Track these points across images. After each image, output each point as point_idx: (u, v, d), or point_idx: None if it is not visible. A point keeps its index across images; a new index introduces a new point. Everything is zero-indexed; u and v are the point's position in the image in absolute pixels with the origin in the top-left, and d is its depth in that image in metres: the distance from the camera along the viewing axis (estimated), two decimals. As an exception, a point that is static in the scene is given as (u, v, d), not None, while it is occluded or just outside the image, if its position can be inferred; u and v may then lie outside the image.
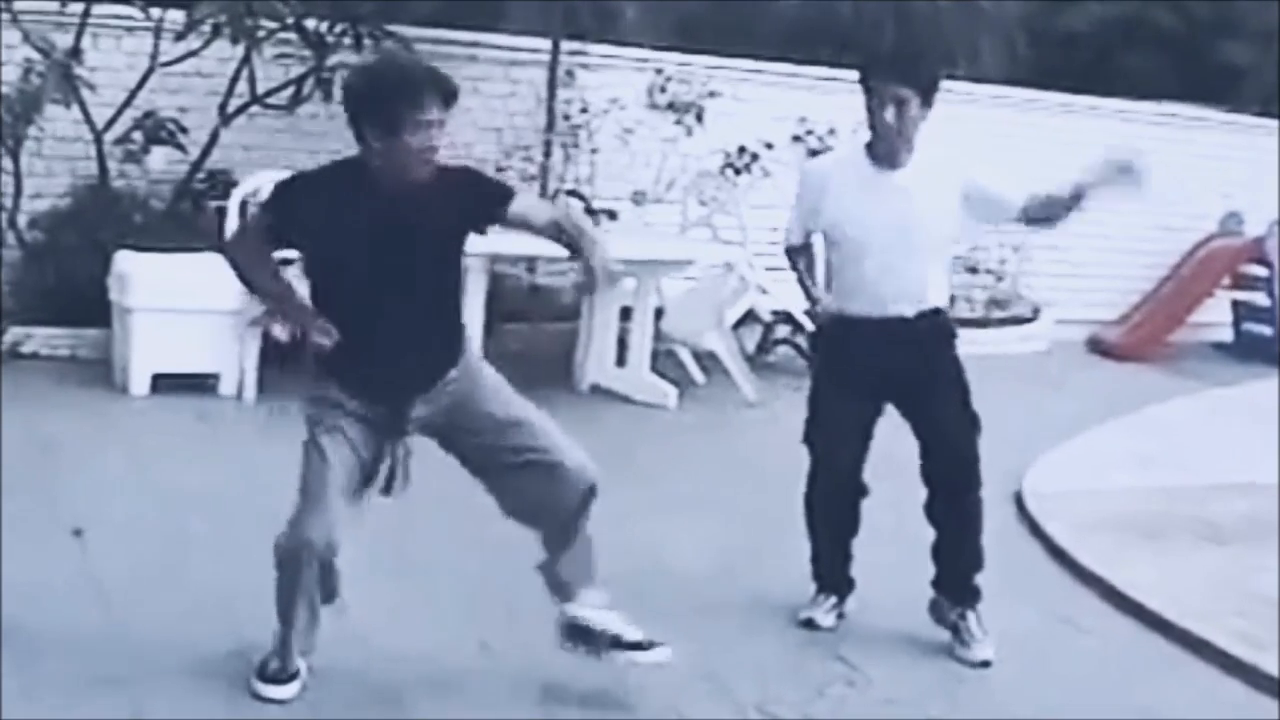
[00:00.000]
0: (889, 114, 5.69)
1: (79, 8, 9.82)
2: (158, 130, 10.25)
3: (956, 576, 6.01)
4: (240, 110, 10.32)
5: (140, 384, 8.88)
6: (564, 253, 5.09)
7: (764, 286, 11.02)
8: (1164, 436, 9.85)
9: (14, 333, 9.36)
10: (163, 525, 6.60)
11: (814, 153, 12.68)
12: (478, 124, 11.58)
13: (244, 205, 9.60)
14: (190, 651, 5.21)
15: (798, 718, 5.21)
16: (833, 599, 6.08)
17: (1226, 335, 14.16)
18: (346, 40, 10.28)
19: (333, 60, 10.26)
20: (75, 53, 9.70)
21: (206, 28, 9.78)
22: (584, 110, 11.69)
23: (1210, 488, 8.17)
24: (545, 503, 5.07)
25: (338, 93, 10.15)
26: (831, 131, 12.66)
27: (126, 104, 10.10)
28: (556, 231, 5.05)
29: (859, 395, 5.93)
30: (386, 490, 5.12)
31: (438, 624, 5.62)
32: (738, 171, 12.12)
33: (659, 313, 10.20)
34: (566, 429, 5.17)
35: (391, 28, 10.43)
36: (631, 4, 14.14)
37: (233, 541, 6.40)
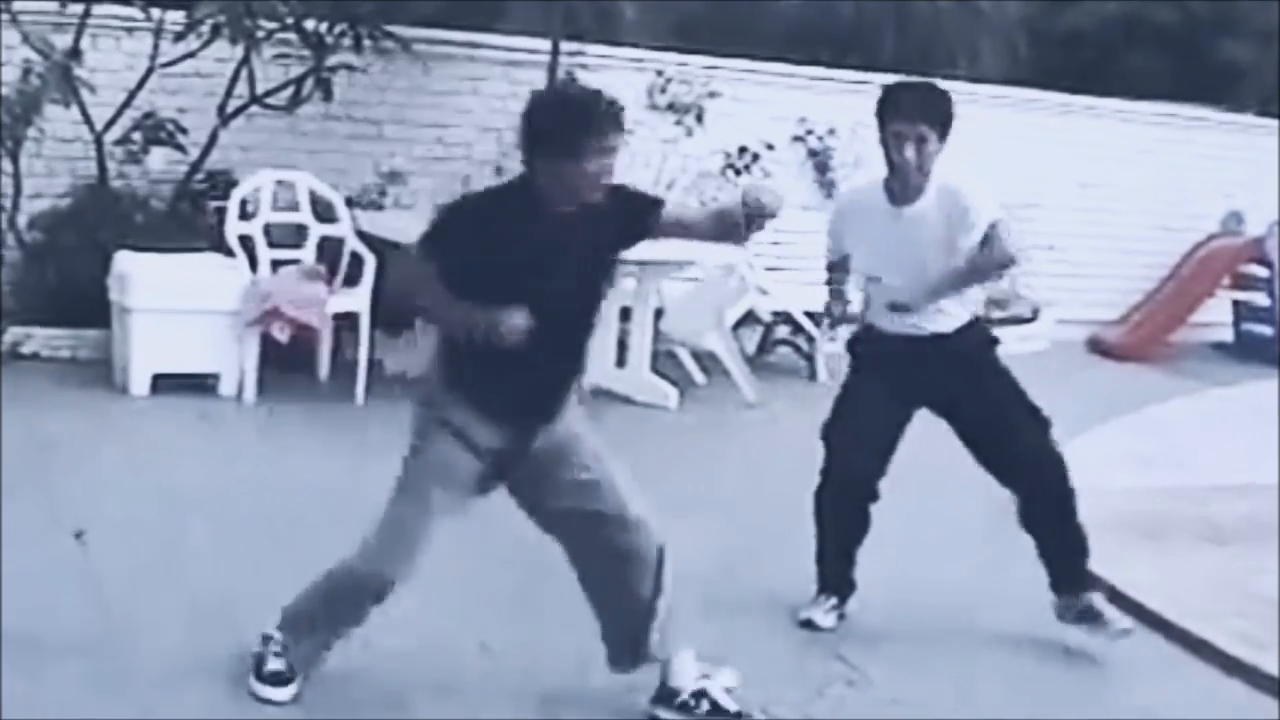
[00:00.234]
0: (909, 151, 5.69)
1: (78, 8, 9.81)
2: (157, 131, 10.25)
3: (1075, 568, 6.03)
4: (240, 111, 10.32)
5: (140, 384, 8.88)
6: None
7: (764, 287, 11.03)
8: (1164, 437, 9.84)
9: (14, 333, 9.36)
10: (163, 526, 6.60)
11: (814, 153, 12.74)
12: (478, 124, 11.59)
13: (243, 205, 9.61)
14: (190, 652, 5.21)
15: (798, 718, 5.21)
16: (833, 600, 6.07)
17: (1227, 335, 14.15)
18: (346, 41, 10.29)
19: (332, 60, 10.28)
20: (75, 53, 9.70)
21: (206, 28, 9.77)
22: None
23: (1210, 488, 8.16)
24: (615, 563, 5.01)
25: (337, 93, 10.31)
26: (831, 131, 12.68)
27: (126, 104, 10.09)
28: (717, 224, 5.03)
29: (889, 404, 5.95)
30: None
31: (438, 625, 5.62)
32: (738, 172, 12.12)
33: (659, 313, 10.20)
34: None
35: (391, 28, 10.44)
36: (631, 4, 14.14)
37: (233, 542, 6.42)
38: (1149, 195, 13.93)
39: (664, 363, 10.22)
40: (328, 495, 7.27)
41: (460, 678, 5.28)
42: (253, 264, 9.36)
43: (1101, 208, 13.68)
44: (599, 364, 10.03)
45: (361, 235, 9.72)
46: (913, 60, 15.20)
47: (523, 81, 11.67)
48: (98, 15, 10.00)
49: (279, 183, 9.83)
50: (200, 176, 10.40)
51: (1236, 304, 14.07)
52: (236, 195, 9.66)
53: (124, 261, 9.12)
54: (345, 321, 9.39)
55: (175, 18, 9.92)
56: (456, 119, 11.61)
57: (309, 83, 10.28)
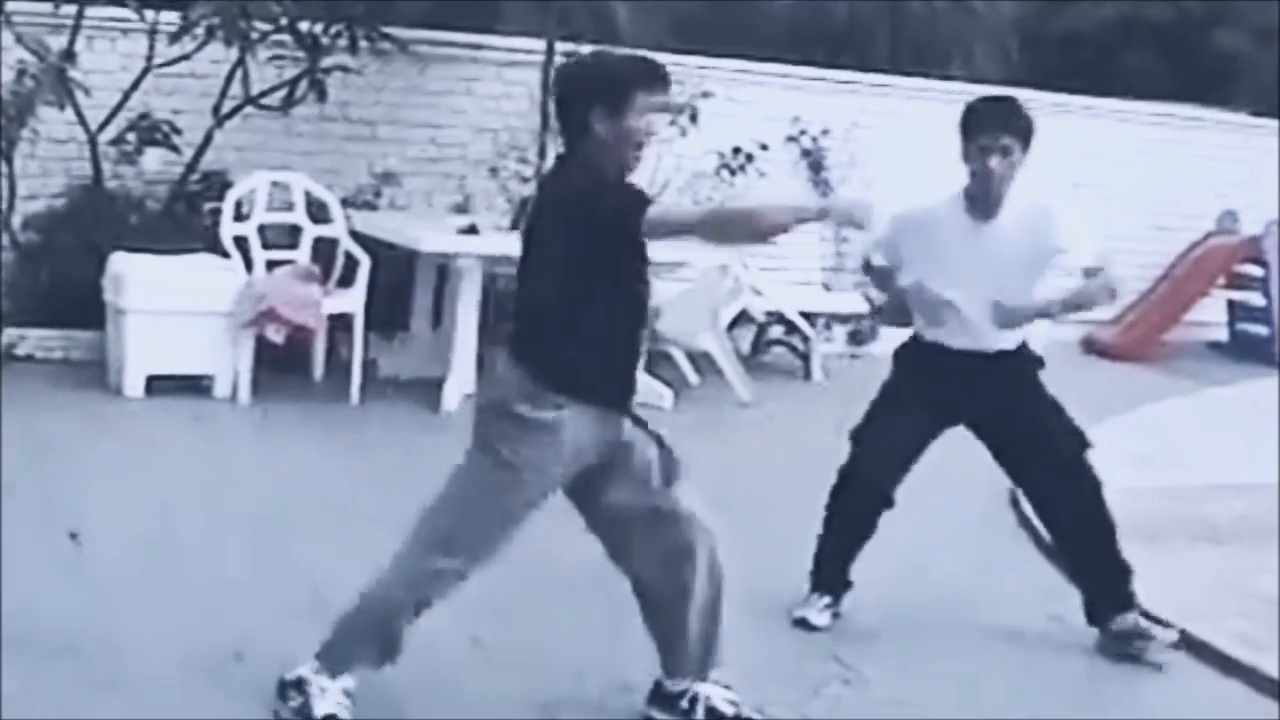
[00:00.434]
0: (994, 162, 5.67)
1: (73, 10, 9.80)
2: (152, 132, 10.25)
3: (1121, 588, 5.99)
4: (234, 112, 10.31)
5: (135, 386, 8.86)
6: None
7: (758, 288, 11.02)
8: (1160, 437, 9.84)
9: (8, 334, 9.36)
10: (158, 527, 6.59)
11: (807, 153, 12.74)
12: (472, 125, 11.59)
13: (238, 206, 9.60)
14: (185, 653, 5.19)
15: (794, 717, 5.20)
16: (827, 598, 6.06)
17: (1222, 335, 14.16)
18: (340, 42, 10.29)
19: (326, 61, 10.27)
20: (69, 55, 9.68)
21: (201, 29, 9.77)
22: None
23: (1207, 488, 8.16)
24: (673, 565, 4.91)
25: (331, 94, 10.30)
26: (825, 132, 12.68)
27: (121, 106, 10.09)
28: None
29: (923, 415, 5.94)
30: None
31: (430, 621, 5.60)
32: (733, 172, 12.11)
33: (655, 314, 10.18)
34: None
35: (385, 29, 10.44)
36: (625, 5, 14.12)
37: (228, 543, 6.41)
38: (1144, 195, 13.93)
39: (659, 363, 10.20)
40: (323, 496, 7.28)
41: (452, 675, 5.27)
42: (247, 265, 9.35)
43: (1097, 207, 13.68)
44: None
45: (356, 236, 9.72)
46: (907, 61, 15.20)
47: (517, 82, 11.70)
48: (92, 16, 9.99)
49: (274, 184, 9.82)
50: (195, 177, 10.40)
51: (1232, 303, 14.08)
52: (231, 196, 9.65)
53: (119, 262, 9.11)
54: (340, 322, 9.38)
55: (170, 19, 9.91)
56: (451, 120, 11.60)
57: (303, 84, 10.28)
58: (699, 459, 8.94)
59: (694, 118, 11.27)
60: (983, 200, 5.78)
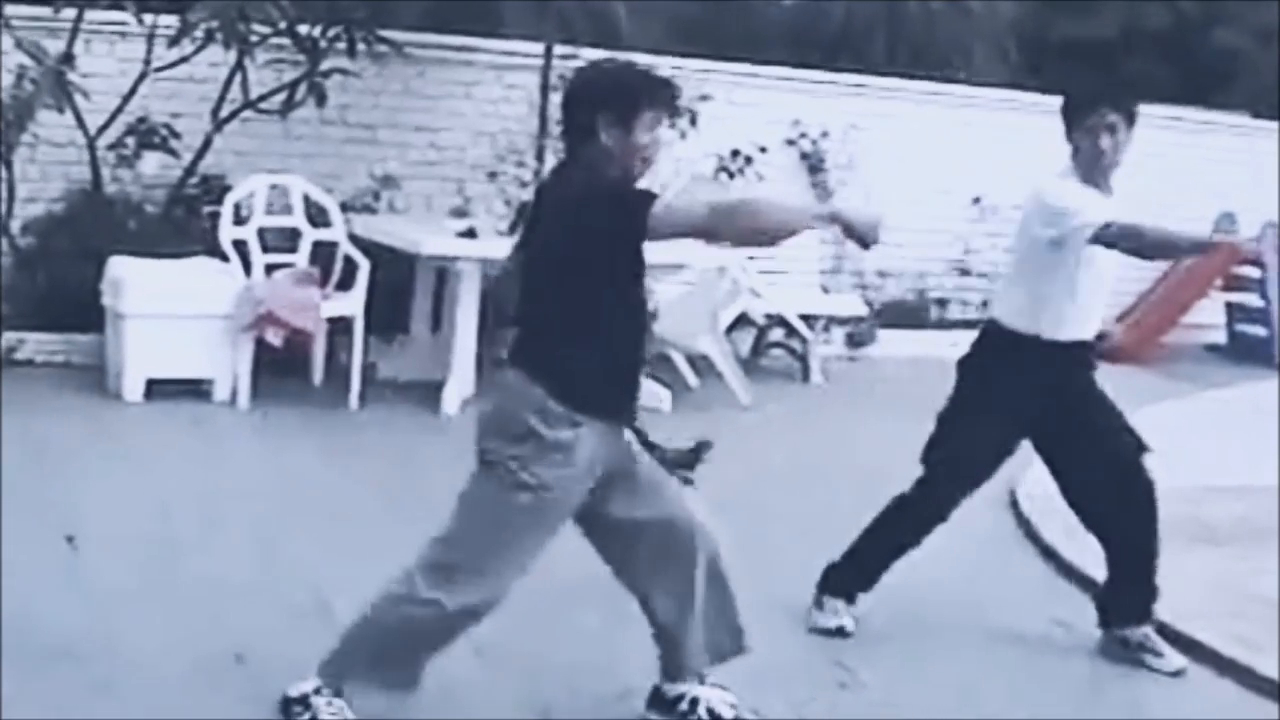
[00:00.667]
0: (1104, 141, 5.67)
1: (72, 13, 9.81)
2: (151, 135, 10.26)
3: (1146, 602, 5.98)
4: (233, 115, 10.31)
5: (134, 390, 8.87)
6: None
7: (757, 290, 11.03)
8: (1158, 438, 9.78)
9: (7, 338, 9.35)
10: (157, 530, 6.60)
11: (806, 155, 12.75)
12: (471, 128, 11.59)
13: (236, 210, 9.61)
14: (185, 655, 5.20)
15: (793, 718, 5.21)
16: (842, 602, 6.03)
17: (1220, 337, 14.17)
18: (339, 45, 10.29)
19: (325, 65, 10.27)
20: (68, 58, 9.68)
21: (199, 33, 9.76)
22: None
23: (1205, 489, 8.15)
24: (679, 573, 4.88)
25: (330, 97, 10.30)
26: (824, 134, 12.69)
27: (119, 109, 10.10)
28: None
29: (1012, 428, 5.88)
30: None
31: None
32: (731, 175, 12.13)
33: (652, 316, 10.18)
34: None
35: (384, 32, 10.44)
36: (624, 7, 14.13)
37: (227, 547, 6.41)
38: (1141, 197, 13.85)
39: (657, 366, 10.20)
40: (322, 499, 7.28)
41: (455, 682, 5.27)
42: (246, 268, 9.35)
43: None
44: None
45: (355, 239, 9.72)
46: (905, 63, 15.21)
47: (516, 85, 11.71)
48: (91, 20, 9.99)
49: (272, 187, 9.83)
50: (194, 181, 10.41)
51: (1230, 305, 14.08)
52: (230, 200, 9.66)
53: (117, 266, 9.12)
54: (339, 326, 9.38)
55: (168, 22, 9.91)
56: (450, 123, 11.61)
57: (302, 87, 10.28)
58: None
59: (693, 120, 11.28)
60: (1103, 179, 5.77)
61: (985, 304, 13.07)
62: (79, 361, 9.46)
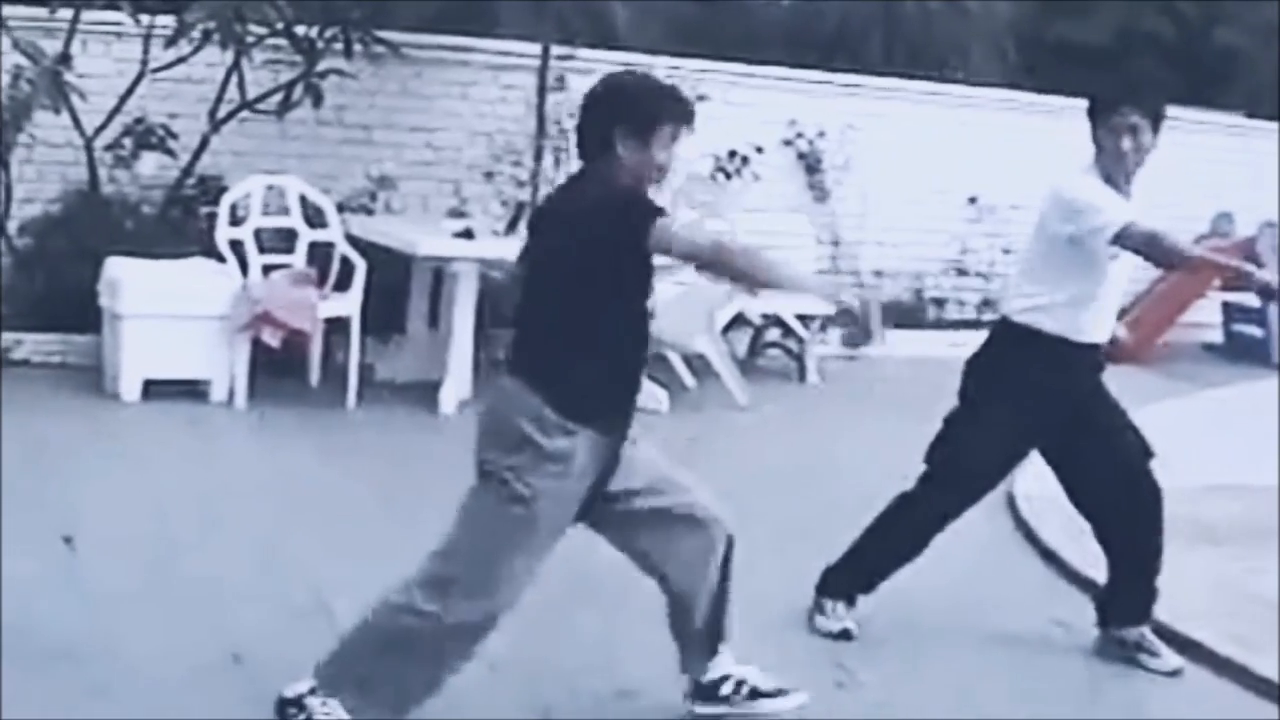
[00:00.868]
0: (1125, 143, 5.64)
1: (68, 14, 9.80)
2: (148, 136, 10.25)
3: (1142, 603, 5.97)
4: (230, 116, 10.31)
5: (131, 390, 8.86)
6: None
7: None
8: (1156, 438, 9.78)
9: (5, 339, 9.35)
10: (154, 531, 6.59)
11: (803, 155, 12.76)
12: (468, 129, 11.59)
13: (233, 210, 9.60)
14: (181, 657, 5.19)
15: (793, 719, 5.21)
16: (842, 604, 6.02)
17: (1217, 336, 14.17)
18: (336, 46, 10.29)
19: (322, 66, 10.27)
20: (65, 59, 9.68)
21: (196, 33, 9.76)
22: (574, 115, 11.64)
23: (1204, 489, 8.14)
24: (696, 558, 4.88)
25: (327, 98, 10.30)
26: (821, 134, 12.70)
27: (116, 110, 10.09)
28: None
29: (1025, 431, 5.84)
30: None
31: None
32: (728, 175, 12.12)
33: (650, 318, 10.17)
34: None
35: (381, 33, 10.44)
36: (621, 7, 14.13)
37: (224, 547, 6.40)
38: (1139, 197, 13.83)
39: (654, 366, 10.18)
40: (320, 499, 7.28)
41: (454, 683, 5.26)
42: (243, 269, 9.35)
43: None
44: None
45: (352, 240, 9.72)
46: (902, 63, 15.21)
47: (513, 86, 11.70)
48: (87, 20, 9.99)
49: (269, 188, 9.83)
50: (191, 182, 10.41)
51: (1227, 305, 14.07)
52: (227, 200, 9.65)
53: (114, 267, 9.11)
54: (336, 326, 9.37)
55: (165, 23, 9.90)
56: (446, 123, 11.60)
57: (299, 88, 10.28)
58: (695, 462, 8.95)
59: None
60: (1125, 181, 5.75)
61: (983, 304, 13.12)
62: (76, 362, 9.46)
